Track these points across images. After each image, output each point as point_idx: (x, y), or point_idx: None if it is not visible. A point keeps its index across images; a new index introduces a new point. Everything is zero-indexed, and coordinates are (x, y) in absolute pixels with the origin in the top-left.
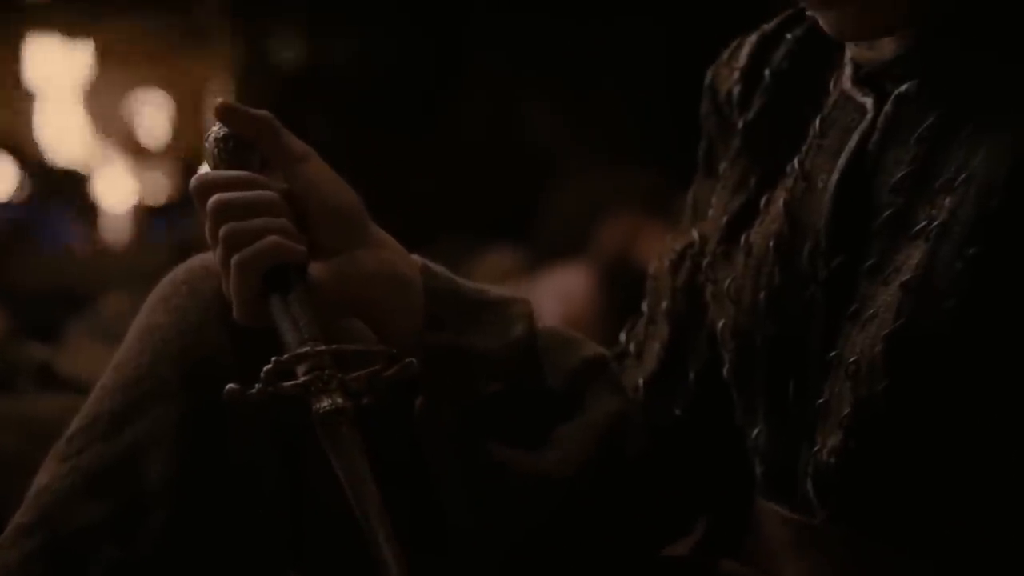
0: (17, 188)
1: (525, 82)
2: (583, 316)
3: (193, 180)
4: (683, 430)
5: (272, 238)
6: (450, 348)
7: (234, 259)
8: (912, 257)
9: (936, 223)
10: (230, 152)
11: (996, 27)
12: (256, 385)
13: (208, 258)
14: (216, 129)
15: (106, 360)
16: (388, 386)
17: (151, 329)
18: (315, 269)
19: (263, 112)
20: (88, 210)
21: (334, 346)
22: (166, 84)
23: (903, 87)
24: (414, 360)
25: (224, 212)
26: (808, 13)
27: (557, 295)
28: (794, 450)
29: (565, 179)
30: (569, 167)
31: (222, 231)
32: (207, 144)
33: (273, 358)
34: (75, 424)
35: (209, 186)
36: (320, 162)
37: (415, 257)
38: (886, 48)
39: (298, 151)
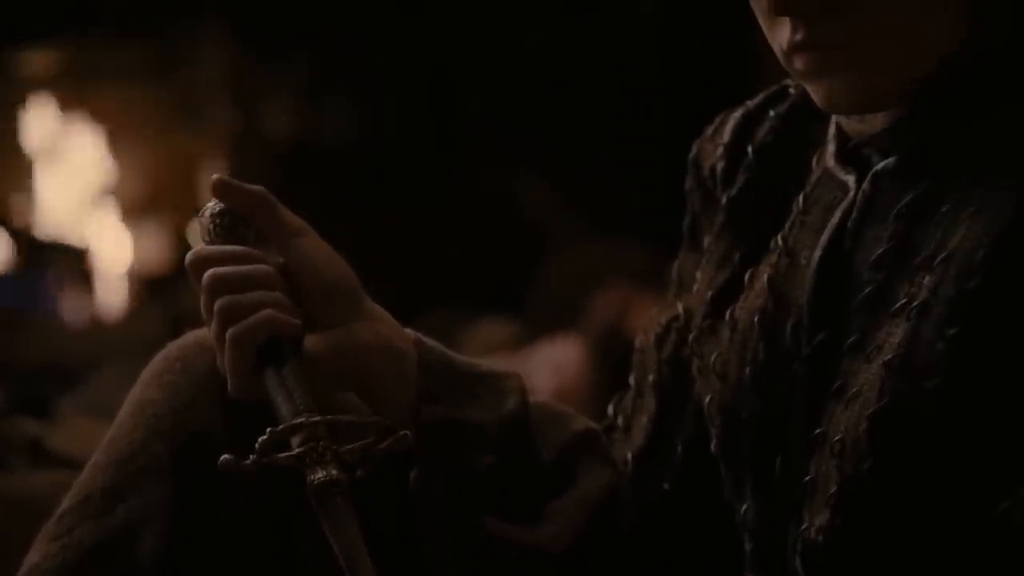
0: (8, 258)
1: (519, 156)
2: (576, 388)
3: (188, 255)
4: (672, 504)
5: (266, 312)
6: (444, 421)
7: (229, 332)
8: (894, 335)
9: (917, 302)
10: (225, 227)
11: (980, 104)
12: (251, 456)
13: (202, 334)
14: (211, 204)
15: (99, 436)
16: (382, 459)
17: (144, 405)
18: (310, 342)
19: (258, 188)
20: (81, 281)
21: (329, 417)
22: (162, 154)
23: (881, 164)
24: (408, 433)
25: (219, 287)
26: (791, 91)
27: (550, 367)
28: (782, 527)
29: (558, 252)
30: (562, 240)
31: (217, 305)
32: (202, 219)
33: (268, 429)
34: (66, 502)
35: (204, 261)
36: (316, 236)
37: (408, 331)
38: (877, 121)
39: (294, 226)
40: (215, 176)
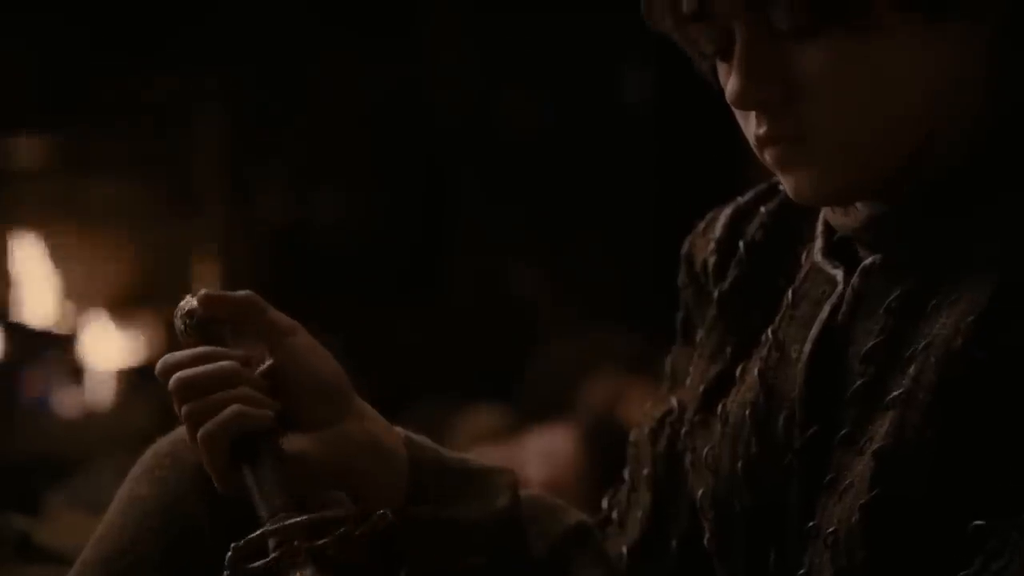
0: None
1: (510, 244)
2: (567, 477)
3: (158, 365)
4: None
5: (231, 410)
6: (433, 520)
7: (199, 435)
8: (883, 426)
9: (902, 391)
10: (196, 326)
11: (961, 201)
12: (225, 572)
13: None
14: (183, 303)
15: (88, 531)
16: (362, 543)
17: (134, 501)
18: (301, 441)
19: (246, 294)
20: (70, 375)
21: (302, 518)
22: (153, 245)
23: (868, 260)
24: (386, 511)
25: (184, 390)
26: (781, 187)
27: (541, 456)
28: None
29: (549, 340)
30: (553, 328)
31: (184, 411)
32: (176, 319)
33: (232, 544)
34: None
35: (171, 368)
36: (306, 335)
37: (398, 429)
38: (860, 214)
39: (284, 326)
40: (202, 291)
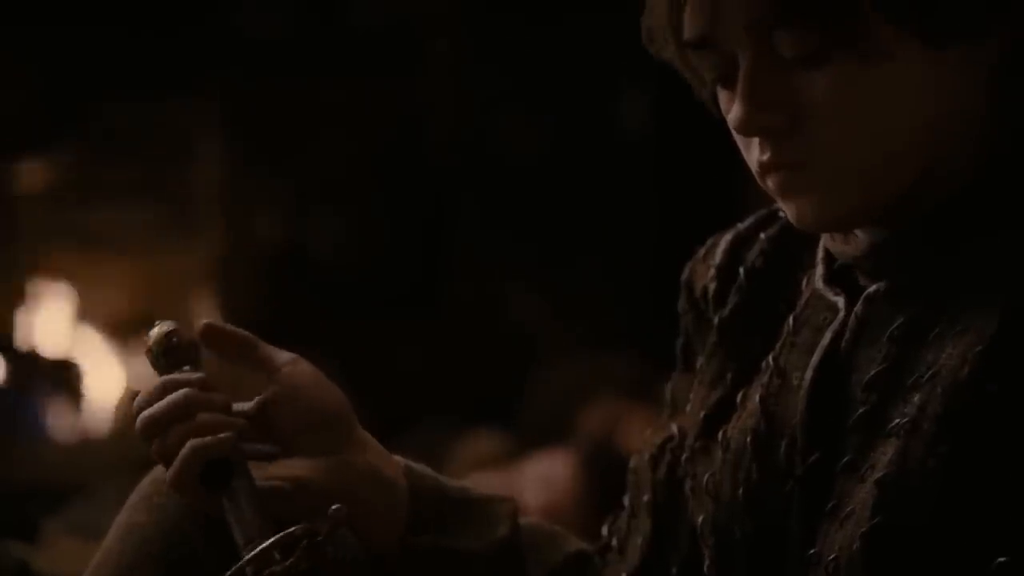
0: None
1: (509, 269)
2: (566, 502)
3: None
4: None
5: (187, 447)
6: (432, 550)
7: (168, 476)
8: (886, 454)
9: (906, 420)
10: (165, 353)
11: (961, 228)
12: None
13: None
14: (154, 330)
15: (86, 558)
16: (329, 545)
17: (132, 529)
18: (304, 468)
19: (242, 333)
20: (69, 401)
21: (268, 542)
22: (151, 271)
23: (872, 288)
24: (341, 506)
25: (146, 432)
26: (781, 214)
27: (540, 481)
28: None
29: (548, 365)
30: (552, 353)
31: (154, 453)
32: (146, 347)
33: None
34: None
35: (137, 413)
36: (306, 365)
37: (397, 458)
38: (860, 242)
39: (282, 358)
40: (204, 322)
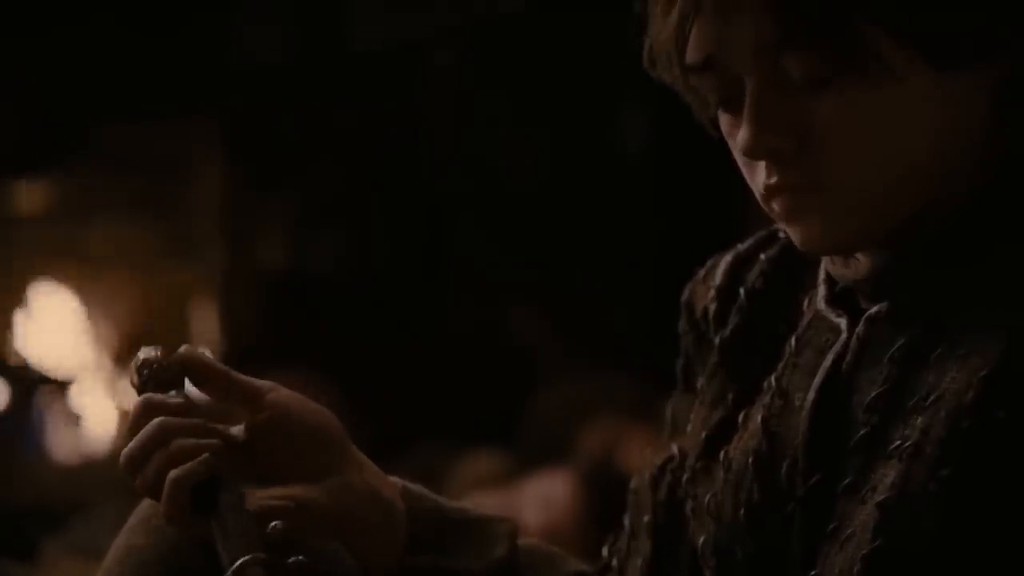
0: None
1: (509, 288)
2: (566, 522)
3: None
4: None
5: (169, 479)
6: (431, 570)
7: (161, 512)
8: (888, 476)
9: (909, 443)
10: (150, 379)
11: (962, 251)
12: None
13: None
14: (139, 356)
15: None
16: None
17: (130, 551)
18: (305, 489)
19: (217, 366)
20: (68, 420)
21: (249, 556)
22: (152, 290)
23: (874, 309)
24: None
25: (129, 469)
26: (781, 235)
27: (540, 501)
28: None
29: (548, 385)
30: (552, 373)
31: (136, 487)
32: (130, 374)
33: None
34: None
35: (124, 442)
36: (286, 390)
37: (394, 479)
38: (861, 265)
39: (263, 386)
40: (183, 348)
